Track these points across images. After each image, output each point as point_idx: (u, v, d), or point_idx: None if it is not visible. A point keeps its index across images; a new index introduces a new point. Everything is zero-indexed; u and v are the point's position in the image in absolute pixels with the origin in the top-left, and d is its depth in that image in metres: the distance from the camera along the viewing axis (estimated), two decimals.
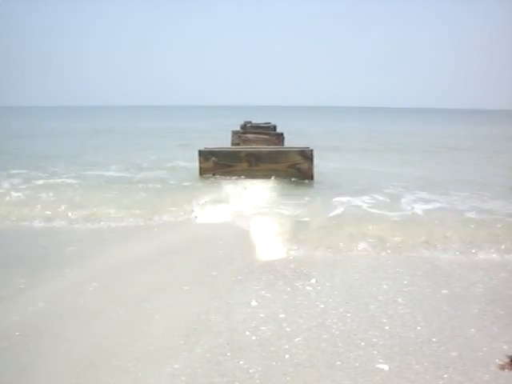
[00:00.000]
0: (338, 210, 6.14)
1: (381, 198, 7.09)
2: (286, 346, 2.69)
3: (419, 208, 6.38)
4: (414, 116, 72.43)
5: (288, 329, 2.92)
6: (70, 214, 5.95)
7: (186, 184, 8.18)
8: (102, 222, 5.69)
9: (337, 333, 2.86)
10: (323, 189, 7.84)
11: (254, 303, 3.30)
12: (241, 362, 2.52)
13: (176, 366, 2.49)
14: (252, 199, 6.83)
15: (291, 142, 13.13)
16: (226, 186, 7.75)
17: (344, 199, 6.80)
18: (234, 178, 8.41)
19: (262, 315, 3.11)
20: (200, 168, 8.64)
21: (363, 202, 6.72)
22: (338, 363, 2.51)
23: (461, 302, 3.35)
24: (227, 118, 36.49)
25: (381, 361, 2.53)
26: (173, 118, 49.09)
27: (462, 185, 8.42)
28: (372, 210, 6.23)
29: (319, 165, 9.19)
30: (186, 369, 2.46)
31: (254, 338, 2.80)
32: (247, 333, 2.86)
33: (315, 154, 8.55)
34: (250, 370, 2.44)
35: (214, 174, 8.51)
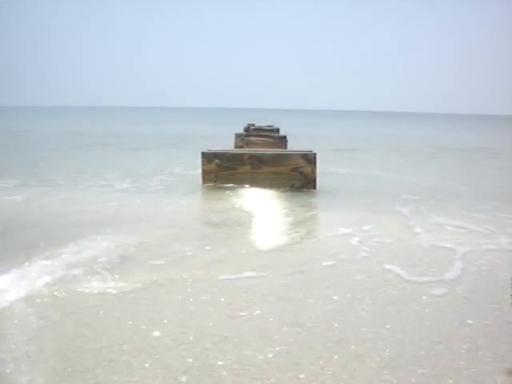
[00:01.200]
0: (335, 265, 4.12)
1: (401, 229, 5.47)
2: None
3: (463, 259, 4.33)
4: (417, 120, 72.39)
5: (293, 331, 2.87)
6: None
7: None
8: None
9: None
10: (323, 209, 7.03)
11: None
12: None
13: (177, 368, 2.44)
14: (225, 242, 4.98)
15: (294, 146, 13.08)
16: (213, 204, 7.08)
17: (347, 230, 5.29)
18: (234, 185, 8.23)
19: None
20: (203, 170, 8.53)
21: (377, 248, 4.65)
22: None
23: (468, 306, 3.30)
24: (225, 125, 33.39)
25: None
26: (173, 121, 49.17)
27: (492, 200, 7.33)
28: (390, 277, 3.85)
29: (324, 170, 9.05)
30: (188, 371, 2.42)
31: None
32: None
33: (320, 158, 8.45)
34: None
35: (216, 176, 8.45)
